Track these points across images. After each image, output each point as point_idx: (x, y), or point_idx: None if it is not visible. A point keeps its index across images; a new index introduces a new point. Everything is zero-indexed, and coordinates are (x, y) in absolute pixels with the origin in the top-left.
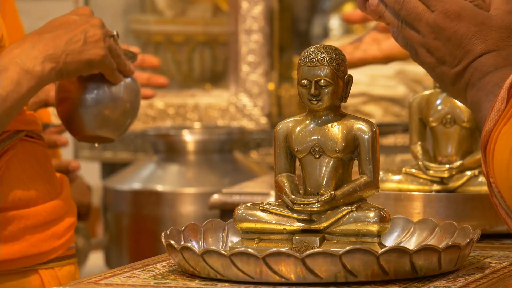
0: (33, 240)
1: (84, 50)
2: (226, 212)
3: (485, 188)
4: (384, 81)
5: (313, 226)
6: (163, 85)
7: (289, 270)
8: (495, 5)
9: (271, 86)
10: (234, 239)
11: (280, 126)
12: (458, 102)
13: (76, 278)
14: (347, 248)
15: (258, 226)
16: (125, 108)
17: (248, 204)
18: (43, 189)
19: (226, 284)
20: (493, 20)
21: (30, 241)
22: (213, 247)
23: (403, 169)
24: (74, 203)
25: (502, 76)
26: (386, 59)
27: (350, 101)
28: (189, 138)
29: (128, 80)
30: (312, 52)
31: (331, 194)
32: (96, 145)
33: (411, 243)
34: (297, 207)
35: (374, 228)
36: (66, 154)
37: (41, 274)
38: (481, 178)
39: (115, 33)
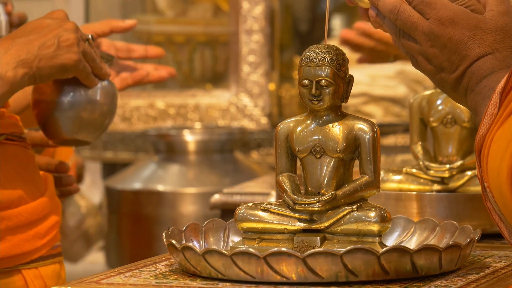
0: (15, 240)
1: (57, 55)
2: (227, 212)
3: None
4: (384, 81)
5: (314, 226)
6: (170, 75)
7: (290, 270)
8: (489, 7)
9: (272, 86)
10: (235, 238)
11: (281, 126)
12: None
13: (62, 276)
14: (348, 247)
15: (259, 226)
16: (102, 111)
17: (249, 204)
18: (25, 190)
19: (228, 284)
20: (487, 22)
21: (12, 241)
22: (214, 247)
23: (404, 169)
24: (60, 202)
25: (498, 79)
26: None
27: (351, 101)
28: (190, 138)
29: (105, 83)
30: (313, 52)
31: (332, 194)
32: (74, 148)
33: (412, 243)
34: (298, 207)
35: (375, 227)
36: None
37: (24, 274)
38: None
39: (89, 36)
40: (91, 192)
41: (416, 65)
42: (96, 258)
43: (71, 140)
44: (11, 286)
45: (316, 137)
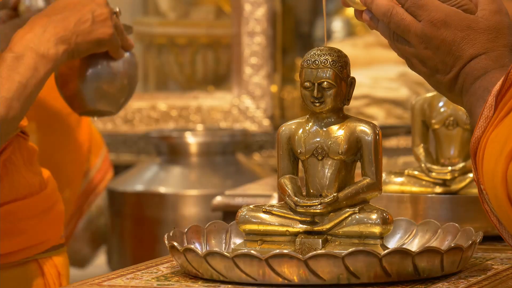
0: (32, 230)
1: (93, 30)
2: (229, 214)
3: None
4: (386, 83)
5: (316, 228)
6: None
7: (292, 272)
8: (481, 6)
9: (274, 88)
10: (237, 241)
11: (283, 128)
12: None
13: (68, 266)
14: (350, 249)
15: (261, 228)
16: (123, 82)
17: (251, 206)
18: (36, 181)
19: (229, 286)
20: (479, 22)
21: (29, 232)
22: (216, 249)
23: (406, 171)
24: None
25: (491, 79)
26: None
27: (353, 103)
28: (192, 140)
29: (127, 54)
30: (315, 54)
31: (333, 196)
32: (95, 118)
33: (414, 245)
34: (300, 209)
35: (376, 230)
36: None
37: (41, 263)
38: None
39: (117, 9)
40: None
41: (412, 67)
42: (98, 260)
43: (94, 111)
44: (29, 276)
45: (318, 139)
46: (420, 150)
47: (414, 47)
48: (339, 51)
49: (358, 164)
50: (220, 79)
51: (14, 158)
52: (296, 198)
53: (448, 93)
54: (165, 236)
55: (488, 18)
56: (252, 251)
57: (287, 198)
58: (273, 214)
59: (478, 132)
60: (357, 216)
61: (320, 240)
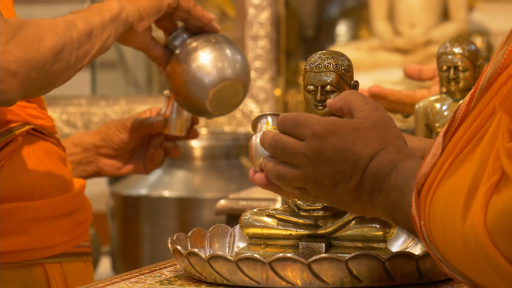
0: (37, 233)
1: None
2: (233, 217)
3: None
4: (390, 86)
5: (319, 231)
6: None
7: (295, 275)
8: (357, 109)
9: (278, 92)
10: (241, 244)
11: None
12: None
13: (88, 277)
14: (353, 253)
15: (264, 231)
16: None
17: (255, 210)
18: (49, 184)
19: None
20: (363, 122)
21: (34, 234)
22: (219, 253)
23: None
24: (89, 202)
25: (408, 167)
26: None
27: None
28: (196, 144)
29: (238, 57)
30: (318, 58)
31: None
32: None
33: (417, 249)
34: (303, 213)
35: (380, 233)
36: None
37: (47, 267)
38: None
39: None
40: (97, 198)
41: (307, 195)
42: (102, 263)
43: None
44: (32, 278)
45: None
46: None
47: (305, 168)
48: (342, 54)
49: None
50: None
51: (21, 155)
52: (299, 202)
53: (354, 203)
54: (169, 240)
55: (370, 116)
56: (256, 255)
57: (290, 202)
58: (276, 218)
59: (425, 168)
60: (360, 219)
61: (324, 244)
